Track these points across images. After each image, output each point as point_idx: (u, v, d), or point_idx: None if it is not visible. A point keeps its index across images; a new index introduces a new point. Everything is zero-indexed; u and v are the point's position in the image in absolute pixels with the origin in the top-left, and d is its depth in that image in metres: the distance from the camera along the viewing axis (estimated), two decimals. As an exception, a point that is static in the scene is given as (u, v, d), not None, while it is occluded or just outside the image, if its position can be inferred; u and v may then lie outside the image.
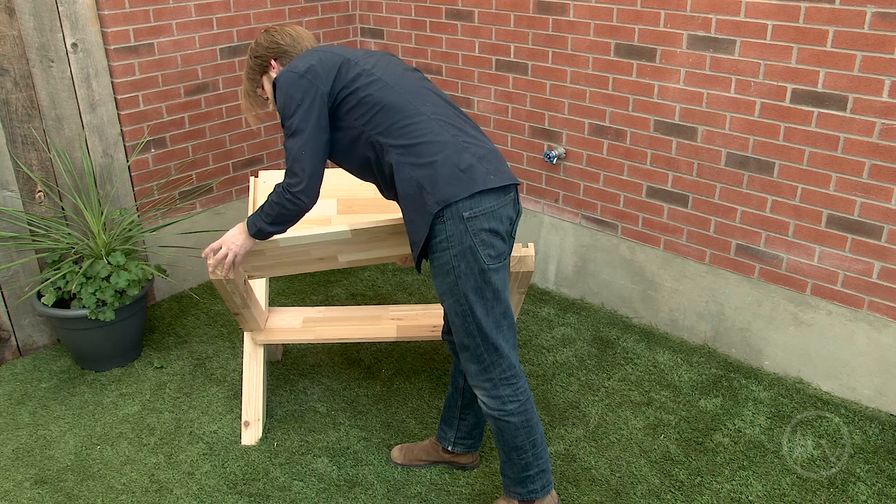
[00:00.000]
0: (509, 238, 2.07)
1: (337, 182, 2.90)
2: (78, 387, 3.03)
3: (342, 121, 2.06)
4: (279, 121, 2.12)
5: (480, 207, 1.96)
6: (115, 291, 2.96)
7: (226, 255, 2.19)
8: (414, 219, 2.00)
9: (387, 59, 2.15)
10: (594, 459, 2.61)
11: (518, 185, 2.09)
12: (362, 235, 2.30)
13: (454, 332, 2.09)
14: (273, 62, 2.19)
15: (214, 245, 2.21)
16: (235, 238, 2.19)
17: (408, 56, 3.91)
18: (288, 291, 3.72)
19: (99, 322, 2.96)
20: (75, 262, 3.04)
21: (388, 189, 2.13)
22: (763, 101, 2.79)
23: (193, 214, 3.66)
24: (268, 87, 2.24)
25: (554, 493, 2.24)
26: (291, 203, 2.05)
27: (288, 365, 3.15)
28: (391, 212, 2.86)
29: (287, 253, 2.32)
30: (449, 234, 1.96)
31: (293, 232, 2.25)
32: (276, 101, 2.09)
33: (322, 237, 2.26)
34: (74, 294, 3.03)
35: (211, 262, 2.21)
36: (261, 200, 2.83)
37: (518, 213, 2.12)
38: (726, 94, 2.88)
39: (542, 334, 3.35)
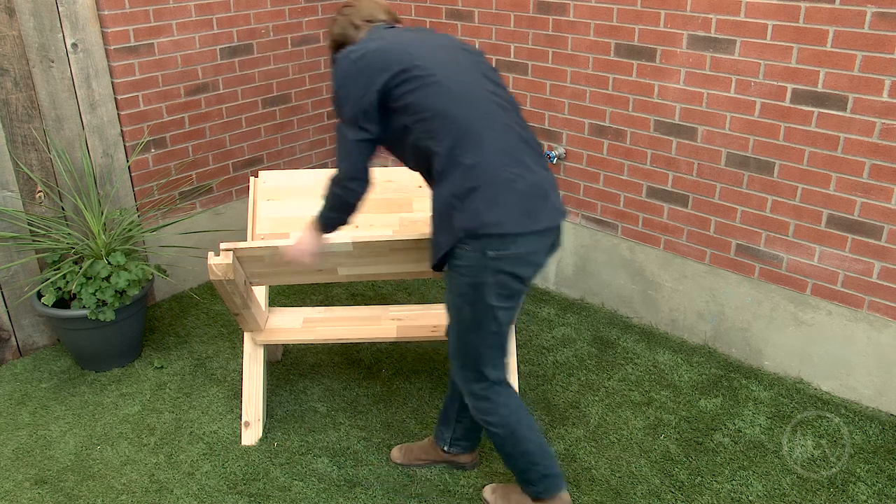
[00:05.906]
0: (533, 278, 2.03)
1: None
2: (78, 387, 3.03)
3: (393, 114, 1.98)
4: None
5: (509, 251, 1.90)
6: (116, 291, 2.96)
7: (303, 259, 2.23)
8: (441, 231, 1.97)
9: (455, 56, 2.01)
10: (594, 459, 2.61)
11: (562, 221, 2.00)
12: (364, 249, 2.30)
13: (448, 340, 2.13)
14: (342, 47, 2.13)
15: (289, 258, 2.23)
16: (301, 242, 2.20)
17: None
18: (288, 291, 3.72)
19: (99, 322, 2.96)
20: (75, 263, 3.04)
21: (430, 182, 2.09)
22: (763, 101, 2.79)
23: (193, 214, 3.66)
24: None
25: (565, 495, 2.23)
26: (342, 190, 2.05)
27: (288, 365, 3.15)
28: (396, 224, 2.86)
29: (286, 260, 2.32)
30: (469, 263, 1.93)
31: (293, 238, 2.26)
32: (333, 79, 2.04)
33: (322, 247, 2.26)
34: (74, 294, 3.03)
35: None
36: (261, 200, 2.84)
37: (555, 247, 2.06)
38: (726, 94, 2.88)
39: (542, 334, 3.35)
